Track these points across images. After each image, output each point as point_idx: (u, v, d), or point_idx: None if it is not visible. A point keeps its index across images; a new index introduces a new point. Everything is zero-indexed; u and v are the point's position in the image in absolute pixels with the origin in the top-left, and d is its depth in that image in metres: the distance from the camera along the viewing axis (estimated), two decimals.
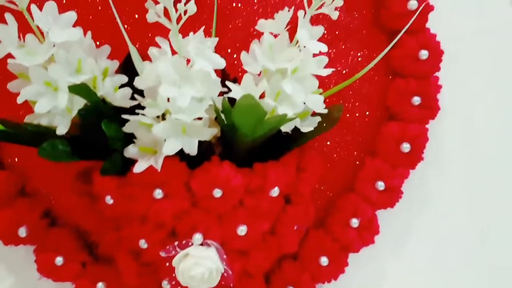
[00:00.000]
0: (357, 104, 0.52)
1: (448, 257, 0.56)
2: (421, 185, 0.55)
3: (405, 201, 0.53)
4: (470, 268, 0.56)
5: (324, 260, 0.52)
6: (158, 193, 0.43)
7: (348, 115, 0.52)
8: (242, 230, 0.45)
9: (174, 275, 0.45)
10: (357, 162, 0.53)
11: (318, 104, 0.42)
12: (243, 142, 0.42)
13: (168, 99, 0.40)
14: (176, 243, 0.44)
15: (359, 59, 0.51)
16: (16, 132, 0.42)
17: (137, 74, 0.45)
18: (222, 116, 0.40)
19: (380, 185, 0.51)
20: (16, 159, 0.51)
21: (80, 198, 0.48)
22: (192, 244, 0.44)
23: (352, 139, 0.52)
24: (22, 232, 0.50)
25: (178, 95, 0.39)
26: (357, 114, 0.52)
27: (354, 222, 0.51)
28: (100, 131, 0.42)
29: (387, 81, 0.52)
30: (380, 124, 0.52)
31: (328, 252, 0.52)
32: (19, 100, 0.42)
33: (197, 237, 0.44)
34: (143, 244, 0.45)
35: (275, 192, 0.46)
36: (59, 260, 0.51)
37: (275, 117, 0.39)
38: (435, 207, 0.55)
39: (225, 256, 0.44)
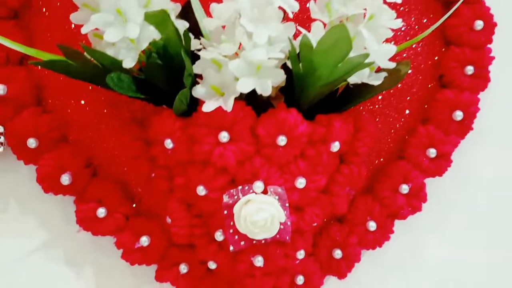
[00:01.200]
0: (410, 71, 0.52)
1: (489, 233, 0.56)
2: (464, 158, 0.55)
3: (447, 174, 0.54)
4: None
5: (372, 225, 0.51)
6: (224, 136, 0.42)
7: (399, 85, 0.53)
8: (301, 182, 0.45)
9: (232, 223, 0.44)
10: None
11: (389, 54, 0.42)
12: (313, 88, 0.41)
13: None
14: (239, 187, 0.43)
15: (416, 27, 0.52)
16: (80, 65, 0.41)
17: (195, 22, 0.45)
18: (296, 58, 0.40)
19: (432, 152, 0.51)
20: (58, 103, 0.49)
21: (132, 144, 0.46)
22: (253, 192, 0.43)
23: (403, 107, 0.52)
24: (65, 179, 0.48)
25: (256, 31, 0.39)
26: (410, 83, 0.52)
27: (404, 188, 0.51)
28: (167, 70, 0.41)
29: (441, 50, 0.53)
30: (431, 93, 0.53)
31: (376, 217, 0.52)
32: (84, 30, 0.40)
33: (258, 185, 0.43)
34: (201, 191, 0.44)
35: (336, 146, 0.45)
36: (101, 212, 0.49)
37: (356, 56, 0.38)
38: (477, 181, 0.55)
39: (287, 204, 0.43)
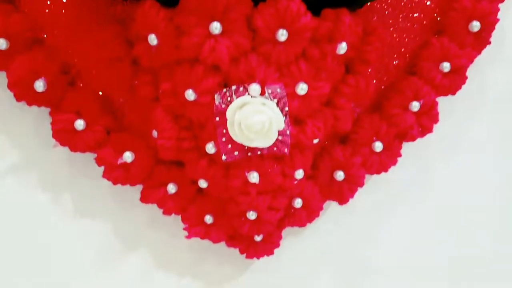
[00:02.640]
0: None
1: (503, 159, 0.52)
2: (480, 76, 0.51)
3: (460, 103, 0.50)
4: None
5: (378, 146, 0.47)
6: (216, 27, 0.37)
7: None
8: (302, 88, 0.40)
9: (224, 131, 0.39)
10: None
11: None
12: None
13: None
14: (233, 87, 0.38)
15: None
16: None
17: None
18: None
19: (446, 66, 0.47)
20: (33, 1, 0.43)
21: (112, 43, 0.41)
22: (249, 95, 0.39)
23: (417, 18, 0.47)
24: (40, 85, 0.43)
25: None
26: None
27: (415, 105, 0.47)
28: None
29: None
30: (447, 1, 0.47)
31: (383, 137, 0.47)
32: None
33: (254, 88, 0.39)
34: (190, 95, 0.40)
35: (342, 48, 0.41)
36: (79, 124, 0.44)
37: None
38: (493, 102, 0.51)
39: (287, 109, 0.38)
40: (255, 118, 0.38)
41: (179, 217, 0.48)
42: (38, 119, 0.47)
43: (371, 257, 0.51)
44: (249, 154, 0.42)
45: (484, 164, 0.52)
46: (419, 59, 0.47)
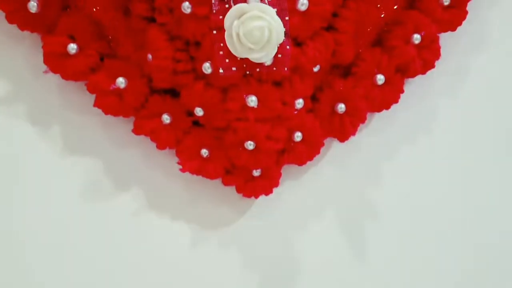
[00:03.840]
0: None
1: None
2: (481, 25, 0.50)
3: (464, 39, 0.50)
4: None
5: (380, 78, 0.46)
6: None
7: None
8: (303, 3, 0.40)
9: (222, 45, 0.38)
10: None
11: None
12: None
13: None
14: None
15: None
16: None
17: None
18: None
19: (445, 0, 0.46)
20: None
21: None
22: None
23: None
24: (33, 5, 0.42)
25: None
26: None
27: (416, 38, 0.46)
28: None
29: None
30: None
31: (385, 70, 0.46)
32: None
33: None
34: (186, 7, 0.39)
35: None
36: (72, 47, 0.43)
37: None
38: (496, 46, 0.50)
39: (287, 18, 0.37)
40: (254, 23, 0.37)
41: (174, 156, 0.47)
42: (30, 48, 0.46)
43: (373, 199, 0.49)
44: (248, 72, 0.41)
45: (487, 106, 0.51)
46: None
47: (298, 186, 0.49)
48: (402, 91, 0.48)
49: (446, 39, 0.49)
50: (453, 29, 0.48)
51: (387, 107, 0.48)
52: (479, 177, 0.51)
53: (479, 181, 0.51)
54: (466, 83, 0.51)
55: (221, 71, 0.40)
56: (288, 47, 0.40)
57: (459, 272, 0.52)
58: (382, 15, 0.47)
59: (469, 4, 0.48)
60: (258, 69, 0.41)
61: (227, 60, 0.40)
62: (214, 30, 0.39)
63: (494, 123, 0.51)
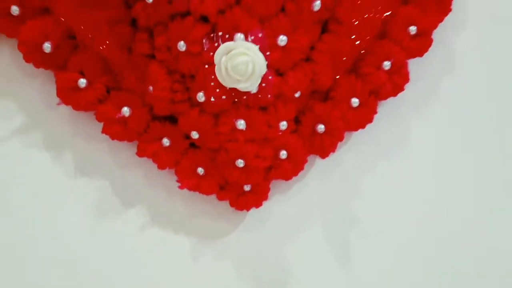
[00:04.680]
0: None
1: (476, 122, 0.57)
2: (446, 50, 0.56)
3: (431, 64, 0.56)
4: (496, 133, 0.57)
5: (354, 101, 0.52)
6: None
7: None
8: (282, 40, 0.46)
9: (213, 77, 0.45)
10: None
11: None
12: None
13: None
14: (220, 33, 0.43)
15: None
16: None
17: None
18: None
19: (412, 30, 0.52)
20: None
21: (112, 4, 0.47)
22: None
23: None
24: (47, 46, 0.49)
25: None
26: None
27: (386, 65, 0.52)
28: None
29: None
30: None
31: (359, 94, 0.53)
32: None
33: (239, 36, 0.45)
34: (181, 46, 0.45)
35: (317, 5, 0.47)
36: (82, 82, 0.50)
37: None
38: (461, 69, 0.56)
39: (268, 53, 0.44)
40: (239, 59, 0.43)
41: (173, 175, 0.53)
42: (44, 84, 0.53)
43: (354, 209, 0.55)
44: (236, 100, 0.48)
45: (452, 123, 0.56)
46: (389, 24, 0.53)
47: (285, 200, 0.55)
48: (376, 112, 0.54)
49: (414, 64, 0.55)
50: (420, 55, 0.55)
51: (363, 127, 0.54)
52: (450, 187, 0.57)
53: (451, 191, 0.57)
54: (434, 103, 0.56)
55: (212, 99, 0.47)
56: (270, 77, 0.46)
57: (438, 274, 0.57)
58: (357, 43, 0.54)
59: (434, 32, 0.55)
60: (245, 97, 0.47)
61: (217, 90, 0.46)
62: (206, 65, 0.46)
63: (460, 137, 0.57)
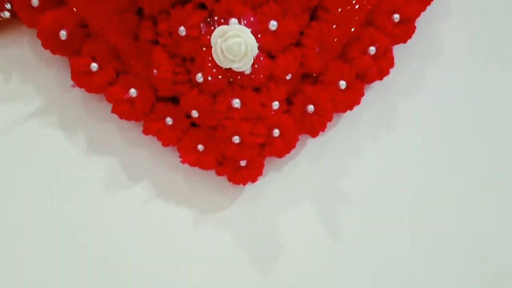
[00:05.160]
0: None
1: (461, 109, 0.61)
2: (430, 36, 0.61)
3: (415, 49, 0.60)
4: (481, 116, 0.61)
5: (342, 83, 0.57)
6: None
7: None
8: (273, 24, 0.51)
9: (210, 58, 0.50)
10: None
11: None
12: None
13: None
14: (215, 17, 0.48)
15: None
16: None
17: None
18: None
19: (396, 17, 0.57)
20: None
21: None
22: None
23: None
24: (63, 34, 0.55)
25: None
26: None
27: (371, 50, 0.57)
28: None
29: None
30: None
31: (346, 77, 0.57)
32: None
33: (233, 21, 0.50)
34: (182, 31, 0.51)
35: None
36: (94, 66, 0.55)
37: None
38: (444, 54, 0.61)
39: (259, 36, 0.49)
40: (233, 40, 0.48)
41: (176, 152, 0.58)
42: (59, 70, 0.59)
43: (342, 186, 0.60)
44: (231, 80, 0.52)
45: (437, 104, 0.61)
46: (374, 12, 0.58)
47: (279, 176, 0.60)
48: (363, 94, 0.59)
49: (399, 49, 0.59)
50: (404, 41, 0.59)
51: (351, 108, 0.59)
52: (434, 166, 0.61)
53: (435, 170, 0.61)
54: (418, 86, 0.61)
55: (210, 79, 0.52)
56: (262, 58, 0.51)
57: (419, 247, 0.60)
58: (344, 29, 0.58)
59: (418, 19, 0.60)
60: (239, 77, 0.52)
61: (214, 70, 0.52)
62: (204, 47, 0.51)
63: (443, 119, 0.61)
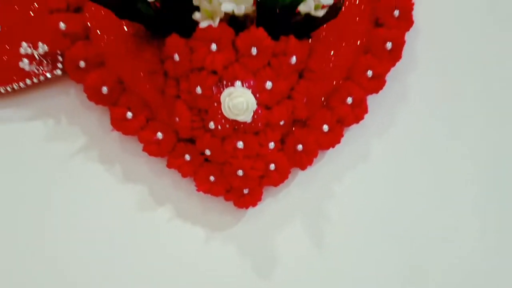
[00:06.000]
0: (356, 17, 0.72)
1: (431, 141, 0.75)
2: (398, 82, 0.75)
3: (384, 98, 0.75)
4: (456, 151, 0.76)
5: (325, 127, 0.72)
6: (213, 47, 0.64)
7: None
8: (268, 85, 0.66)
9: (220, 112, 0.64)
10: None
11: None
12: (274, 11, 0.62)
13: None
14: (224, 81, 0.63)
15: None
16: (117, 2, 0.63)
17: None
18: None
19: (369, 73, 0.71)
20: (99, 31, 0.71)
21: (151, 60, 0.68)
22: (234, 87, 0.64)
23: (353, 41, 0.72)
24: (105, 89, 0.70)
25: None
26: (354, 25, 0.72)
27: (349, 100, 0.72)
28: (175, 3, 0.63)
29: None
30: (369, 31, 0.73)
31: (328, 122, 0.72)
32: None
33: (238, 84, 0.65)
34: (198, 90, 0.65)
35: (293, 60, 0.66)
36: (129, 115, 0.71)
37: None
38: (411, 101, 0.76)
39: (258, 95, 0.63)
40: (238, 99, 0.63)
41: (193, 182, 0.73)
42: (101, 115, 0.74)
43: (328, 210, 0.75)
44: (236, 128, 0.67)
45: (406, 141, 0.76)
46: (352, 69, 0.73)
47: (275, 201, 0.75)
48: (342, 135, 0.73)
49: (372, 98, 0.74)
50: (376, 92, 0.74)
51: (333, 146, 0.74)
52: (402, 193, 0.76)
53: (403, 197, 0.76)
54: (389, 128, 0.76)
55: (219, 127, 0.67)
56: (260, 111, 0.66)
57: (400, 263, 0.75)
58: (327, 84, 0.72)
59: (388, 74, 0.74)
60: (242, 125, 0.67)
61: (223, 121, 0.66)
62: (215, 103, 0.66)
63: (413, 154, 0.76)
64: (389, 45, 0.72)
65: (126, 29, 0.71)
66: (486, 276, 0.76)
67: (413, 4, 0.73)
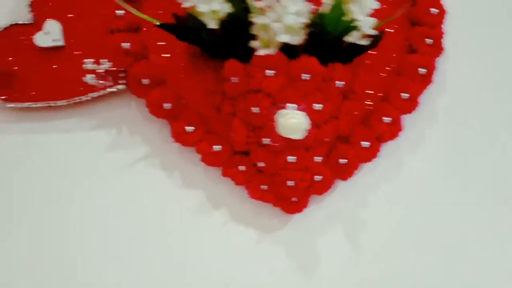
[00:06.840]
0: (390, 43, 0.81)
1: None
2: (429, 104, 0.84)
3: (418, 118, 0.84)
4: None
5: (364, 144, 0.81)
6: (269, 72, 0.72)
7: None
8: (318, 106, 0.74)
9: (275, 130, 0.73)
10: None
11: (370, 24, 0.71)
12: (326, 39, 0.71)
13: None
14: (278, 103, 0.72)
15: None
16: (179, 25, 0.71)
17: None
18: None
19: (404, 95, 0.80)
20: (158, 51, 0.80)
21: (210, 81, 0.76)
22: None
23: (385, 67, 0.82)
24: (167, 105, 0.78)
25: (291, 4, 0.69)
26: (389, 51, 0.81)
27: (386, 119, 0.80)
28: (235, 32, 0.71)
29: (409, 28, 0.83)
30: (404, 56, 0.82)
31: (367, 139, 0.81)
32: (185, 4, 0.70)
33: (291, 106, 0.73)
34: (255, 109, 0.73)
35: (339, 84, 0.74)
36: (189, 128, 0.79)
37: (347, 20, 0.69)
38: (441, 120, 0.84)
39: (309, 115, 0.72)
40: (292, 121, 0.72)
41: (245, 191, 0.81)
42: (161, 127, 0.83)
43: (365, 216, 0.84)
44: (288, 144, 0.75)
45: (437, 157, 0.85)
46: (388, 91, 0.82)
47: (319, 208, 0.84)
48: (379, 151, 0.82)
49: (407, 117, 0.83)
50: (410, 112, 0.83)
51: (370, 160, 0.82)
52: (437, 209, 0.84)
53: (438, 212, 0.85)
54: (419, 144, 0.85)
55: (273, 143, 0.75)
56: (311, 130, 0.74)
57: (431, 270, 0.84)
58: (367, 105, 0.81)
59: (420, 96, 0.82)
60: (294, 142, 0.75)
61: (277, 138, 0.75)
62: (270, 122, 0.74)
63: (443, 169, 0.85)
64: (421, 70, 0.81)
65: (185, 50, 0.80)
66: None
67: (443, 33, 0.83)
